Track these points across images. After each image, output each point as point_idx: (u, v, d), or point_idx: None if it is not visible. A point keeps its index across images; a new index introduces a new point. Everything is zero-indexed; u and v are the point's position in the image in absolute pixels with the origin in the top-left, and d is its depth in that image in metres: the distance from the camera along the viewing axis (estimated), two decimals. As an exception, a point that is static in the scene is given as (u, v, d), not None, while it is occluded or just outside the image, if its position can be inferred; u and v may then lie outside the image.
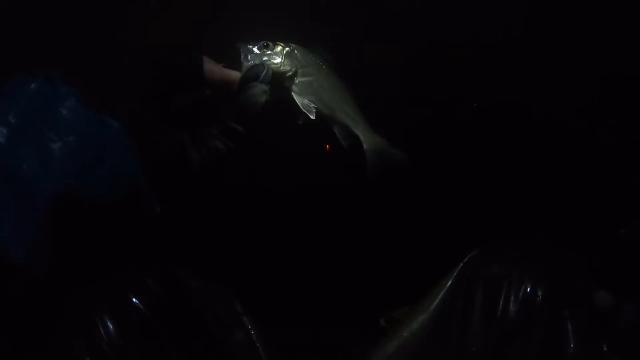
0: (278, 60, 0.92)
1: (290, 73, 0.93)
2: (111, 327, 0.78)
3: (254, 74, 0.89)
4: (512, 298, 0.91)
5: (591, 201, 1.17)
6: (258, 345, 0.94)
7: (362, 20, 1.19)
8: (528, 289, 0.91)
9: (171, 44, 0.89)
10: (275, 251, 1.21)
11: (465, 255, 0.99)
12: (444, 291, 1.00)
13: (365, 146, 0.98)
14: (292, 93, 0.93)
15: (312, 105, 0.93)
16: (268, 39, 0.93)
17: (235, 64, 0.90)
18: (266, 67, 0.90)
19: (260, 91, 0.88)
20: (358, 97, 0.98)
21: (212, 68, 0.89)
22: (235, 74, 0.90)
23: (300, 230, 1.23)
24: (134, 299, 0.82)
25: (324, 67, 0.96)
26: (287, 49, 0.93)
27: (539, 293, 0.90)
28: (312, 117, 0.92)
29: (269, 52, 0.92)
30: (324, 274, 1.24)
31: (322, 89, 0.95)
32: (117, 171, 0.76)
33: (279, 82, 0.92)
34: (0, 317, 0.73)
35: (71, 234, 0.73)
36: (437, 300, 1.00)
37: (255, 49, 0.91)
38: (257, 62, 0.91)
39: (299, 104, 0.93)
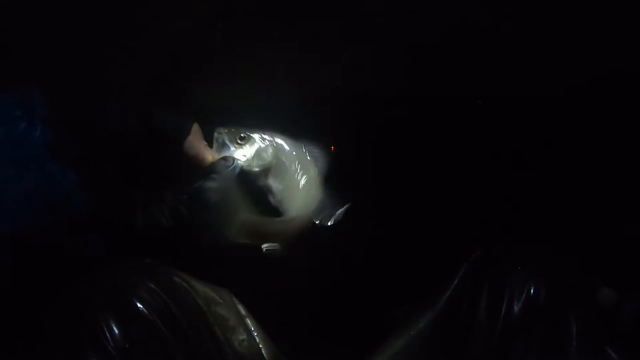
0: (247, 157, 0.90)
1: (259, 170, 0.90)
2: (116, 331, 0.80)
3: (219, 167, 0.87)
4: (516, 297, 0.91)
5: (595, 199, 1.16)
6: (261, 346, 0.95)
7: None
8: (532, 289, 0.91)
9: (167, 101, 0.88)
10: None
11: (470, 255, 1.00)
12: (449, 291, 1.00)
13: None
14: (264, 190, 0.91)
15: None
16: (252, 127, 0.90)
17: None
18: (234, 164, 0.88)
19: (216, 190, 0.85)
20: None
21: (194, 141, 0.87)
22: (208, 158, 0.89)
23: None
24: (138, 304, 0.83)
25: (298, 165, 0.92)
26: (262, 145, 0.90)
27: (542, 292, 0.90)
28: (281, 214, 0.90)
29: (242, 146, 0.89)
30: (327, 273, 1.25)
31: (293, 190, 0.91)
32: (68, 221, 0.76)
33: (248, 177, 0.90)
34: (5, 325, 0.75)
35: (18, 275, 0.74)
36: (442, 300, 1.00)
37: (229, 141, 0.89)
38: (226, 154, 0.89)
39: (269, 199, 0.91)
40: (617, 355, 0.85)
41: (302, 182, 0.93)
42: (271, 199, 0.91)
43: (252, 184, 0.91)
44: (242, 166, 0.89)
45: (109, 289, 0.83)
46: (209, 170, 0.87)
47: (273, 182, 0.92)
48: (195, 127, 0.88)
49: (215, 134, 0.89)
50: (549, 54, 1.14)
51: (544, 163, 1.21)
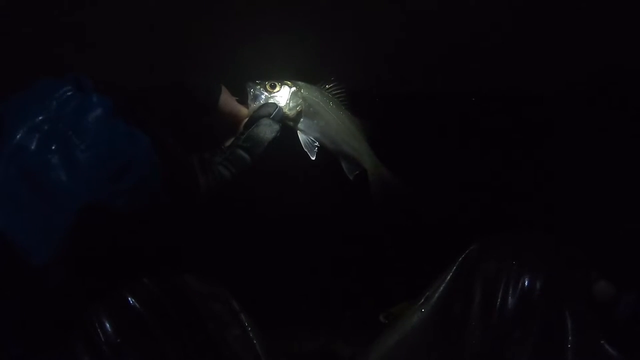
0: (284, 101, 0.96)
1: (295, 113, 0.96)
2: (109, 326, 0.80)
3: (266, 112, 0.92)
4: (510, 291, 0.91)
5: (592, 193, 1.16)
6: (255, 342, 0.95)
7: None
8: (526, 282, 0.90)
9: (197, 67, 0.90)
10: (271, 247, 1.22)
11: (464, 249, 0.99)
12: (443, 285, 1.00)
13: (370, 177, 1.03)
14: (297, 132, 0.97)
15: (316, 144, 0.97)
16: (276, 76, 0.97)
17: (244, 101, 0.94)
18: (278, 106, 0.93)
19: (270, 128, 0.91)
20: (367, 127, 1.02)
21: (227, 99, 0.91)
22: (245, 111, 0.94)
23: (297, 226, 1.23)
24: (130, 299, 0.83)
25: (330, 104, 0.99)
26: (292, 89, 0.97)
27: (538, 286, 0.89)
28: (312, 157, 0.97)
29: (275, 93, 0.95)
30: (321, 270, 1.25)
31: (328, 126, 0.99)
32: (141, 185, 0.76)
33: (285, 121, 0.96)
34: (6, 320, 0.75)
35: (92, 244, 0.74)
36: (437, 295, 1.00)
37: (262, 91, 0.95)
38: (261, 104, 0.94)
39: (302, 143, 0.97)
40: (614, 350, 0.84)
41: (336, 118, 1.00)
42: (306, 139, 0.98)
43: (292, 126, 0.97)
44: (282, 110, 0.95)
45: (101, 284, 0.83)
46: (255, 117, 0.92)
47: (309, 122, 0.98)
48: (224, 88, 0.92)
49: (247, 88, 0.95)
50: (548, 51, 1.14)
51: (540, 157, 1.21)
